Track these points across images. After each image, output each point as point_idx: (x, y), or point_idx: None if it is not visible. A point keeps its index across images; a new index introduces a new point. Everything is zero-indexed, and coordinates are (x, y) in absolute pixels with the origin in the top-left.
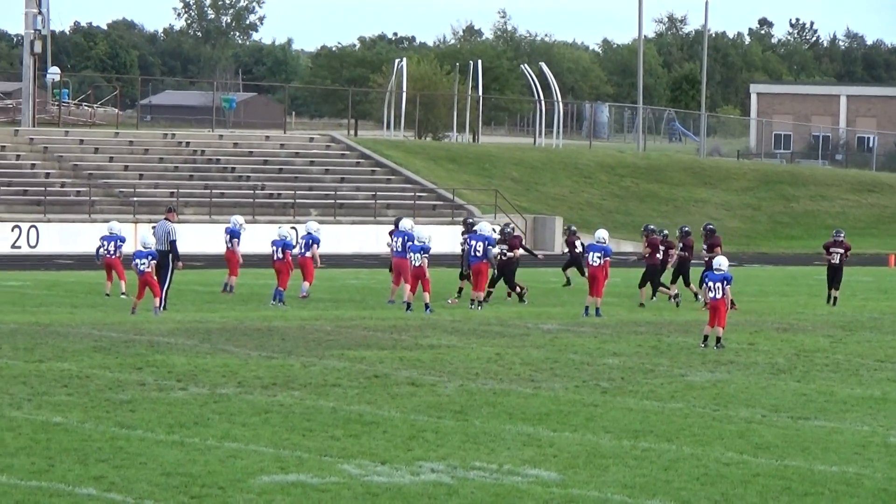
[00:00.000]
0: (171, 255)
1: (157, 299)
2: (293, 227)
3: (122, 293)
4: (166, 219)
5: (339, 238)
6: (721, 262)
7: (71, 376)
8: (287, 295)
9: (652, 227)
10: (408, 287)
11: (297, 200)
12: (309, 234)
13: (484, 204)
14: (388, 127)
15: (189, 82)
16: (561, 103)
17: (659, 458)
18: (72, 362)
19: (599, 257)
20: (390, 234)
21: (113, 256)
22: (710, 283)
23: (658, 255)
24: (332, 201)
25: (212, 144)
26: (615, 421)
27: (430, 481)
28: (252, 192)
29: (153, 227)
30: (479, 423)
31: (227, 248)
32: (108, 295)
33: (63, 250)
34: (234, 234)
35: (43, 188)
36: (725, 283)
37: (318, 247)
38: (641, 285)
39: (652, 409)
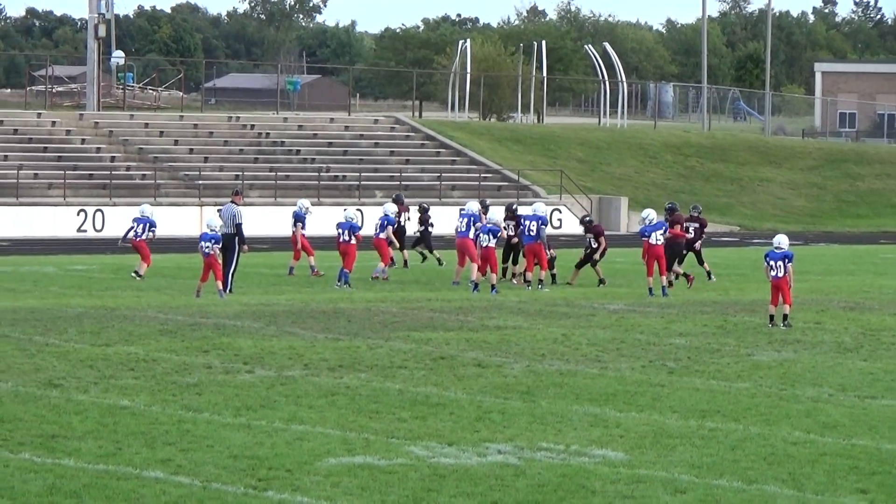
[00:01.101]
0: (236, 238)
1: (220, 282)
2: (358, 210)
3: (136, 273)
4: (232, 202)
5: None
6: (781, 240)
7: (137, 360)
8: (357, 276)
9: (672, 204)
10: (475, 267)
11: (363, 182)
12: (386, 215)
13: (549, 184)
14: (453, 108)
15: (253, 65)
16: (625, 83)
17: (726, 437)
18: (138, 346)
19: (662, 235)
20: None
21: (140, 239)
22: (772, 262)
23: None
24: (398, 183)
25: (276, 127)
26: (682, 401)
27: (496, 462)
28: (317, 174)
29: (219, 210)
30: (545, 403)
31: (293, 231)
32: (138, 275)
33: None
34: (298, 218)
35: (108, 172)
36: (787, 261)
37: (392, 228)
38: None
39: (718, 388)
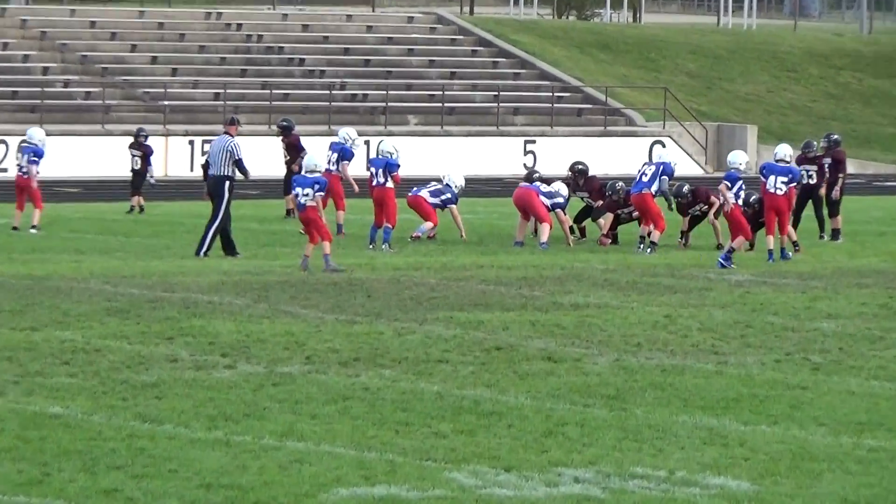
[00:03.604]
0: (227, 181)
1: (327, 244)
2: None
3: (34, 226)
4: (227, 132)
5: (450, 155)
6: (784, 150)
7: (75, 349)
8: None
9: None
10: (546, 227)
11: (390, 104)
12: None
13: (649, 108)
14: (517, 2)
15: None
16: None
17: (892, 461)
18: (76, 330)
19: (784, 183)
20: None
21: (25, 176)
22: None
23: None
24: (440, 105)
25: (272, 27)
26: (831, 409)
27: (572, 495)
28: (328, 92)
29: (210, 145)
30: (641, 412)
31: (331, 173)
32: (15, 229)
33: (67, 174)
34: (344, 155)
35: (39, 88)
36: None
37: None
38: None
39: (882, 392)
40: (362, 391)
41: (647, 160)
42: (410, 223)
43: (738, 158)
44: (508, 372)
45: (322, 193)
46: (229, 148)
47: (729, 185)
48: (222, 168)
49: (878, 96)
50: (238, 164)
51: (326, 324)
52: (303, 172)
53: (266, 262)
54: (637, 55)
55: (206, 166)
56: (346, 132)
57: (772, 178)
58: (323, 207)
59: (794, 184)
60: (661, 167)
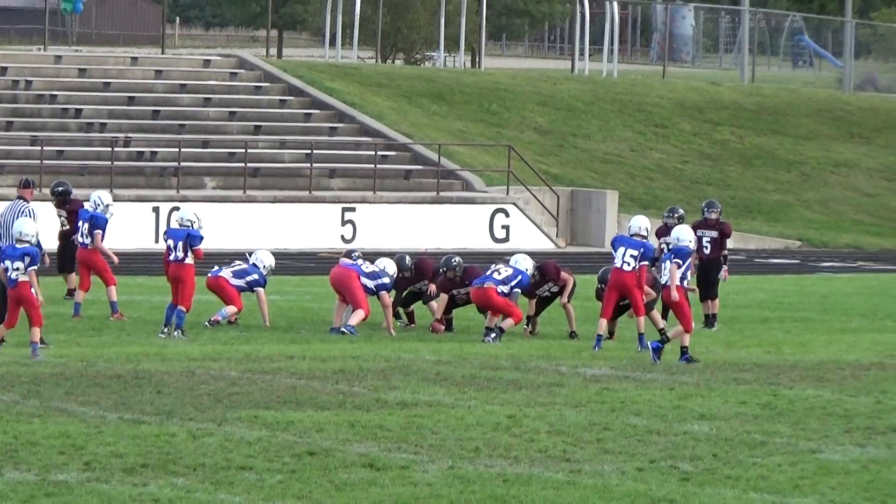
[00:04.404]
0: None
1: (37, 329)
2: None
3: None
4: (20, 197)
5: (254, 224)
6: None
7: None
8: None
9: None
10: (361, 314)
11: (184, 164)
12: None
13: (490, 170)
14: (333, 43)
15: None
16: (616, 4)
17: None
18: None
19: (634, 257)
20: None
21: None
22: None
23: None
24: (242, 164)
25: (43, 71)
26: None
27: None
28: (109, 148)
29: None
30: None
31: (86, 247)
32: None
33: None
34: (96, 224)
35: None
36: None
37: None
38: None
39: None
40: (151, 503)
41: (506, 261)
42: (210, 306)
43: (642, 223)
44: (323, 481)
45: (35, 266)
46: (26, 215)
47: (680, 262)
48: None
49: (760, 157)
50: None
51: (109, 424)
52: (13, 242)
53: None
54: (476, 107)
55: None
56: (98, 196)
57: (621, 249)
58: (85, 287)
59: (646, 262)
60: (644, 249)
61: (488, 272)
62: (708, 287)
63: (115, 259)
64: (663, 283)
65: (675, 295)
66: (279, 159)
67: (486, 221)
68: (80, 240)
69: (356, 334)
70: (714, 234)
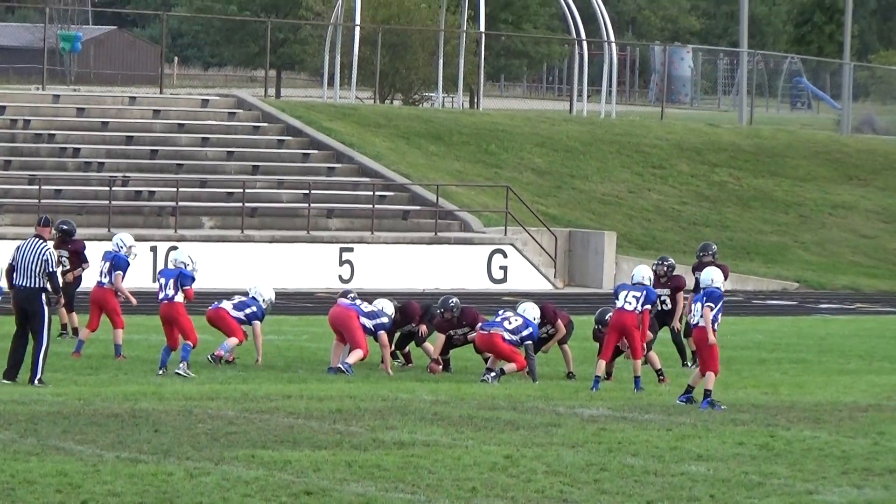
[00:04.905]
0: (42, 293)
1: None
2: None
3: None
4: (37, 235)
5: (251, 264)
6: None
7: None
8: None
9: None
10: (359, 353)
11: (181, 203)
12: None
13: (488, 210)
14: (331, 84)
15: (5, 8)
16: (615, 45)
17: None
18: None
19: (636, 298)
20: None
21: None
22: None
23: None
24: (240, 204)
25: (41, 111)
26: None
27: None
28: (108, 188)
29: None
30: None
31: (103, 286)
32: None
33: None
34: (118, 265)
35: None
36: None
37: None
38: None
39: None
40: None
41: (514, 308)
42: (207, 345)
43: (644, 272)
44: None
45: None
46: (45, 256)
47: (712, 306)
48: (35, 279)
49: (758, 198)
50: (51, 277)
51: (106, 463)
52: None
53: (34, 389)
54: (474, 147)
55: (10, 271)
56: (121, 238)
57: (623, 292)
58: (93, 327)
59: (649, 305)
60: (646, 292)
61: (498, 318)
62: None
63: (134, 301)
64: (693, 324)
65: (712, 339)
66: (277, 199)
67: (483, 262)
68: (99, 279)
69: (352, 374)
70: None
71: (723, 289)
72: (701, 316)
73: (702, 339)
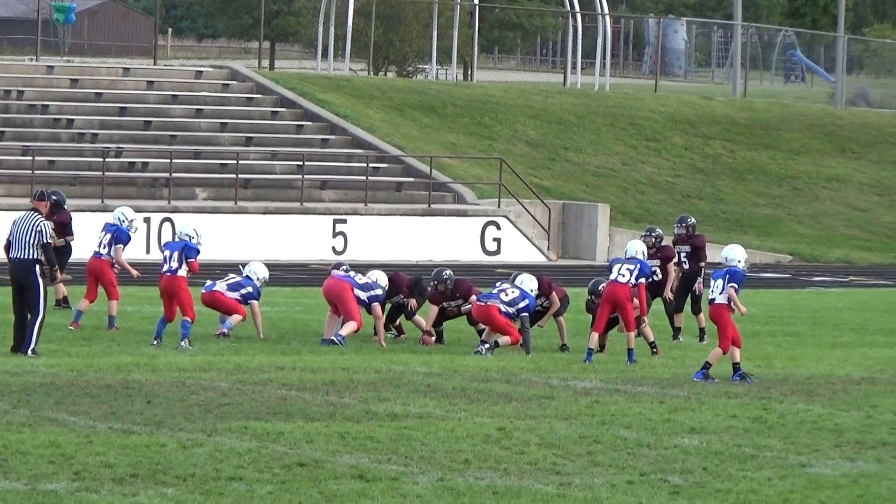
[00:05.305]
0: (37, 265)
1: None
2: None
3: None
4: (34, 209)
5: (245, 235)
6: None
7: None
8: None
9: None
10: (353, 325)
11: (175, 175)
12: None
13: (481, 182)
14: (326, 55)
15: None
16: (609, 18)
17: None
18: None
19: (630, 271)
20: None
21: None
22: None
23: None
24: (233, 176)
25: (35, 82)
26: None
27: None
28: (101, 159)
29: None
30: None
31: (100, 257)
32: None
33: None
34: (119, 238)
35: None
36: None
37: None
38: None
39: None
40: None
41: (511, 280)
42: (208, 317)
43: (638, 247)
44: (313, 492)
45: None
46: (38, 227)
47: (736, 287)
48: (29, 250)
49: (752, 171)
50: (45, 248)
51: (98, 434)
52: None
53: (27, 360)
54: (468, 119)
55: (7, 247)
56: (122, 212)
57: (616, 265)
58: (92, 298)
59: (644, 279)
60: (641, 266)
61: (494, 290)
62: (692, 302)
63: (135, 273)
64: (710, 299)
65: (742, 309)
66: (271, 171)
67: (477, 234)
68: (97, 250)
69: (345, 346)
70: (687, 248)
71: (745, 266)
72: (721, 292)
73: (720, 316)
